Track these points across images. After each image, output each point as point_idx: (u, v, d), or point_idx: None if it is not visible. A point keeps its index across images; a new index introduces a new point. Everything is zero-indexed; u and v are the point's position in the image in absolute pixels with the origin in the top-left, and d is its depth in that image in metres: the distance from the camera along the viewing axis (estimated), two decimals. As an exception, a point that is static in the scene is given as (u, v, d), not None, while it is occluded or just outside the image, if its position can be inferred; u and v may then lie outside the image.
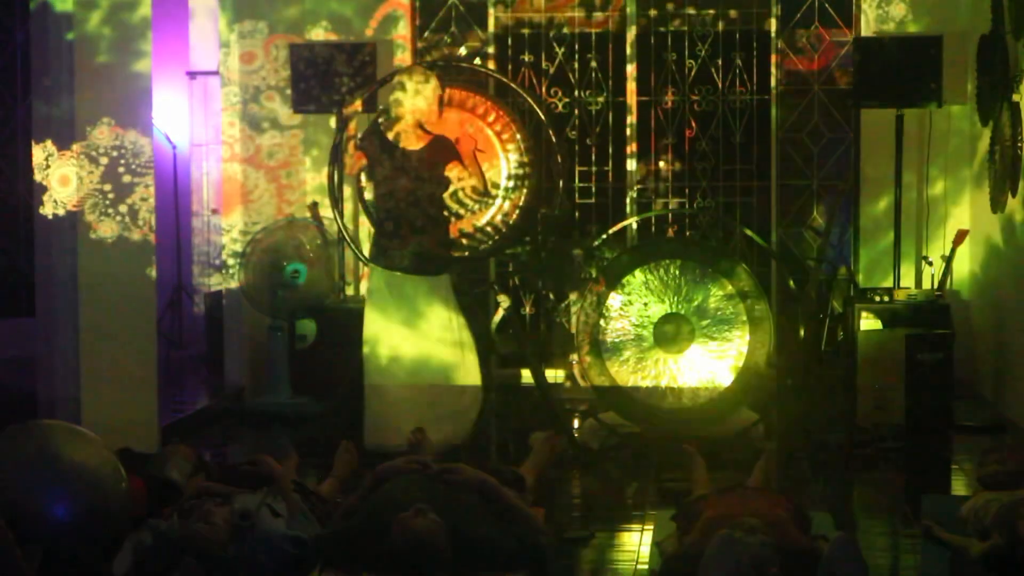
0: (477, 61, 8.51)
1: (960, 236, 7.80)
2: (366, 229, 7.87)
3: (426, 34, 8.64)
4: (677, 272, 7.14)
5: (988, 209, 7.60)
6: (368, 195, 7.65)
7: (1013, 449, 5.33)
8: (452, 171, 6.78)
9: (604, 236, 7.70)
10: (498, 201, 7.68)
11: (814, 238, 8.30)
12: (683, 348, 7.12)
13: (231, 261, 8.27)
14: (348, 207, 8.01)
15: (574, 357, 7.70)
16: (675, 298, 7.13)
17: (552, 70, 8.59)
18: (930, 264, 7.95)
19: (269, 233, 8.09)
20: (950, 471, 6.65)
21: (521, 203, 7.68)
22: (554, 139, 7.80)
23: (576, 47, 8.56)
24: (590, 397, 7.45)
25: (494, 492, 4.84)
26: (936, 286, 7.77)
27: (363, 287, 8.05)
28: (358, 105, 6.96)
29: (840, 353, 7.66)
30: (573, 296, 8.04)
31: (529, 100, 7.97)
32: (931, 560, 4.85)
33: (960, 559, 4.67)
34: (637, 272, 7.17)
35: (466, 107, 7.70)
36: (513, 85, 8.13)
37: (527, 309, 8.57)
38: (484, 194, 7.13)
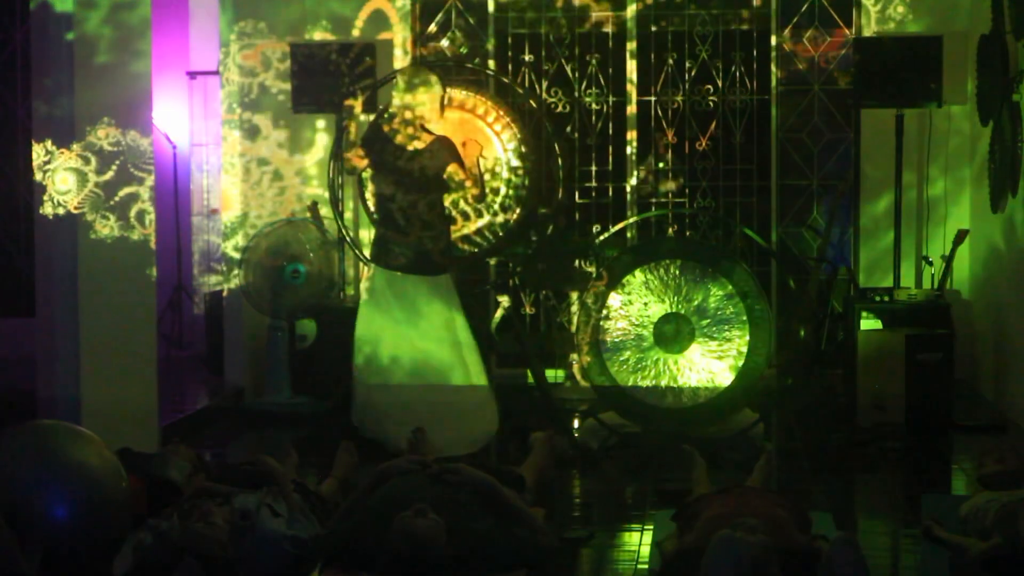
0: (477, 61, 8.51)
1: (960, 236, 7.81)
2: (366, 229, 7.87)
3: (426, 34, 8.64)
4: (677, 272, 7.14)
5: (988, 209, 7.60)
6: (368, 195, 7.65)
7: (1013, 449, 5.33)
8: (450, 172, 6.77)
9: (604, 236, 7.70)
10: (498, 202, 7.69)
11: (814, 238, 8.29)
12: (683, 348, 7.12)
13: (231, 261, 8.27)
14: (348, 207, 8.01)
15: (574, 357, 7.70)
16: (675, 298, 7.13)
17: (552, 70, 8.59)
18: (930, 264, 7.95)
19: (269, 233, 8.09)
20: (950, 471, 6.65)
21: (521, 203, 7.69)
22: (554, 139, 7.81)
23: (576, 47, 8.56)
24: (590, 397, 7.45)
25: (494, 492, 4.84)
26: (936, 286, 7.77)
27: (363, 287, 8.05)
28: (358, 105, 6.96)
29: (840, 353, 7.66)
30: (573, 296, 8.05)
31: (529, 100, 7.98)
32: (931, 560, 4.85)
33: (960, 559, 4.67)
34: (637, 272, 7.17)
35: (466, 107, 7.71)
36: (513, 85, 8.14)
37: (527, 309, 8.57)
38: (480, 200, 7.12)
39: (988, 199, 7.59)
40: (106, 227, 6.39)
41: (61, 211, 6.32)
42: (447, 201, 6.99)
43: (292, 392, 7.93)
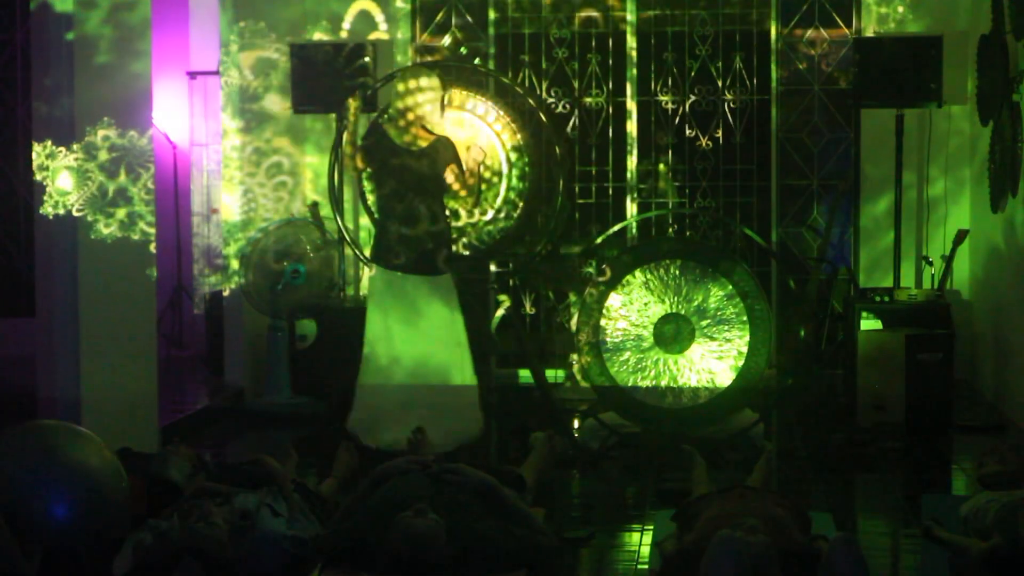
0: (477, 61, 8.51)
1: (960, 236, 7.81)
2: (366, 229, 7.87)
3: (425, 34, 8.64)
4: (677, 272, 7.14)
5: (988, 209, 7.60)
6: (368, 195, 7.65)
7: (1013, 449, 5.32)
8: (448, 175, 6.77)
9: (604, 236, 7.70)
10: (498, 202, 7.69)
11: (814, 238, 8.29)
12: (683, 348, 7.12)
13: (231, 261, 8.27)
14: (348, 207, 8.01)
15: (574, 357, 7.70)
16: (675, 298, 7.12)
17: (552, 70, 8.59)
18: (930, 264, 7.95)
19: (269, 233, 8.09)
20: (950, 471, 6.65)
21: (521, 203, 7.68)
22: (554, 139, 7.80)
23: (576, 47, 8.56)
24: (590, 397, 7.45)
25: (494, 492, 4.84)
26: (936, 286, 7.77)
27: (363, 287, 8.05)
28: (358, 105, 6.95)
29: (840, 353, 7.66)
30: (573, 296, 8.05)
31: (529, 100, 7.98)
32: (931, 560, 4.85)
33: (960, 559, 4.66)
34: (637, 272, 7.17)
35: (466, 107, 7.70)
36: (513, 85, 8.14)
37: (527, 309, 8.57)
38: (474, 205, 7.10)
39: (988, 199, 7.59)
40: (106, 227, 6.39)
41: (61, 211, 6.32)
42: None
43: (292, 392, 7.93)
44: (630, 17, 8.51)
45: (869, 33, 8.16)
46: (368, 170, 7.00)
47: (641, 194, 8.56)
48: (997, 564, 4.51)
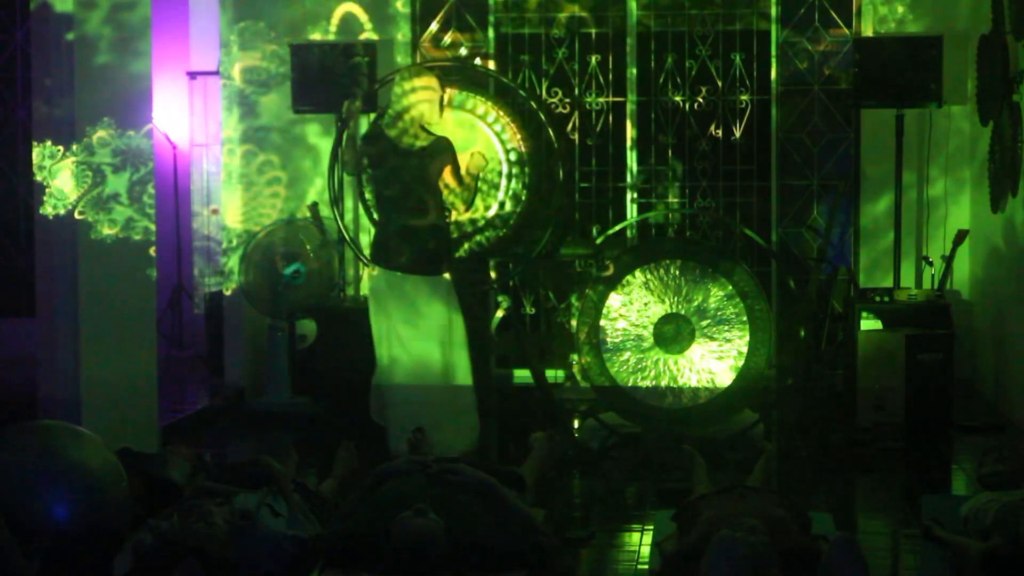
0: (478, 61, 8.51)
1: (960, 236, 7.80)
2: (366, 229, 7.87)
3: (425, 34, 8.64)
4: (677, 272, 7.15)
5: (988, 209, 7.60)
6: (368, 195, 7.65)
7: (1013, 449, 5.33)
8: (445, 175, 6.76)
9: (604, 236, 7.70)
10: (498, 201, 7.69)
11: (814, 238, 8.29)
12: (683, 348, 7.12)
13: (231, 261, 8.27)
14: (348, 207, 8.02)
15: (574, 357, 7.70)
16: (675, 298, 7.13)
17: (552, 70, 8.59)
18: (930, 264, 7.95)
19: (269, 233, 8.09)
20: (950, 471, 6.65)
21: (521, 203, 7.68)
22: (554, 139, 7.80)
23: (576, 47, 8.56)
24: (590, 397, 7.45)
25: (494, 492, 4.84)
26: (936, 286, 7.77)
27: (364, 288, 8.05)
28: (358, 105, 6.95)
29: (840, 353, 7.66)
30: (573, 296, 8.05)
31: (529, 100, 7.98)
32: (931, 560, 4.85)
33: (960, 559, 4.67)
34: (637, 272, 7.17)
35: (466, 107, 7.70)
36: (513, 85, 8.14)
37: (527, 309, 8.57)
38: (466, 210, 7.11)
39: (988, 199, 7.59)
40: (106, 227, 6.39)
41: (61, 211, 6.32)
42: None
43: (292, 392, 7.93)
44: (630, 17, 8.51)
45: (869, 33, 8.16)
46: (367, 170, 7.00)
47: (641, 194, 8.56)
48: (997, 564, 4.52)
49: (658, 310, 7.13)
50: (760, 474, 5.55)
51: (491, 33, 8.60)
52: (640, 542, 5.29)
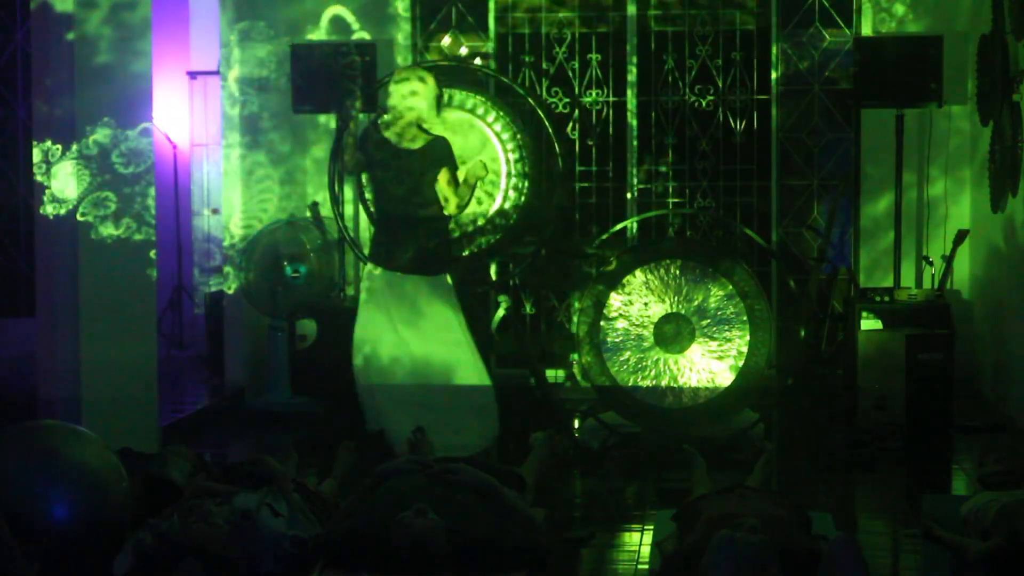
0: (478, 61, 8.51)
1: (960, 236, 7.80)
2: (366, 229, 7.87)
3: (427, 35, 8.64)
4: (677, 272, 7.14)
5: (988, 209, 7.60)
6: (368, 195, 7.65)
7: (1013, 449, 5.33)
8: (440, 176, 6.75)
9: (604, 236, 7.70)
10: (498, 201, 7.69)
11: (814, 238, 8.29)
12: (683, 348, 7.12)
13: (231, 261, 8.27)
14: (348, 207, 8.01)
15: (574, 357, 7.70)
16: (675, 298, 7.13)
17: (552, 70, 8.58)
18: (930, 264, 7.95)
19: (269, 233, 8.09)
20: (950, 471, 6.65)
21: (521, 203, 7.68)
22: (554, 139, 7.80)
23: (576, 47, 8.56)
24: (590, 397, 7.45)
25: (494, 492, 4.84)
26: (936, 286, 7.77)
27: (362, 287, 8.05)
28: (358, 105, 6.95)
29: (840, 353, 7.66)
30: (573, 296, 8.05)
31: (529, 100, 7.98)
32: (931, 560, 4.85)
33: (960, 559, 4.67)
34: (637, 272, 7.17)
35: (466, 107, 7.71)
36: (514, 85, 8.14)
37: (527, 309, 8.57)
38: (458, 211, 7.11)
39: (988, 199, 7.59)
40: (106, 227, 6.39)
41: (61, 211, 6.32)
42: None
43: (292, 392, 7.93)
44: (630, 17, 8.51)
45: (869, 33, 8.16)
46: (366, 170, 7.00)
47: (641, 194, 8.56)
48: (997, 564, 4.52)
49: (658, 310, 7.13)
50: (760, 474, 5.55)
51: (491, 33, 8.59)
52: (640, 542, 5.29)
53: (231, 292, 8.36)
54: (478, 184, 7.06)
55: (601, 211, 8.54)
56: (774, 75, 8.43)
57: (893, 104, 7.61)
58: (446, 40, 8.62)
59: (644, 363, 7.14)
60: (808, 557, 4.32)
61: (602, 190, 8.56)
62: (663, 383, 7.11)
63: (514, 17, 8.61)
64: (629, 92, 8.53)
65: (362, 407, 6.81)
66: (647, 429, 7.05)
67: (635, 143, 8.54)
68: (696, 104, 8.52)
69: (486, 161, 7.18)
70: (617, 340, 7.17)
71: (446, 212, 6.82)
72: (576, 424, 7.31)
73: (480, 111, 7.68)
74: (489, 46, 8.55)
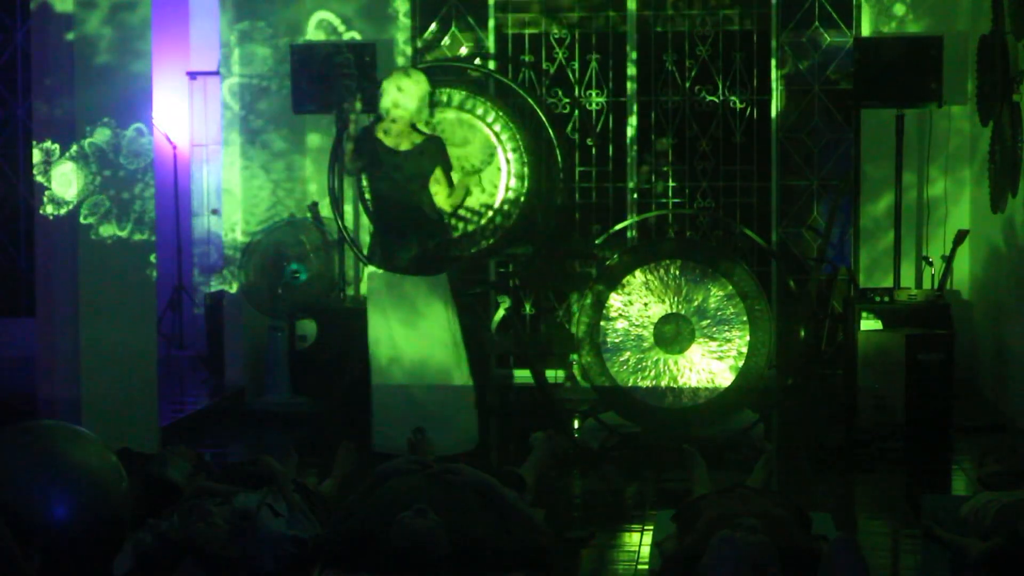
0: (478, 61, 8.51)
1: (960, 236, 7.80)
2: (366, 229, 7.87)
3: (426, 34, 8.64)
4: (677, 272, 7.15)
5: (988, 209, 7.60)
6: (368, 195, 7.66)
7: (1013, 449, 5.33)
8: (433, 176, 6.75)
9: (604, 236, 7.70)
10: (498, 202, 7.69)
11: (814, 238, 8.29)
12: (683, 348, 7.12)
13: (231, 261, 8.27)
14: (348, 207, 8.01)
15: (574, 357, 7.70)
16: (675, 298, 7.13)
17: (552, 70, 8.58)
18: (930, 264, 7.95)
19: (269, 233, 8.09)
20: (950, 471, 6.65)
21: (521, 203, 7.68)
22: (554, 139, 7.81)
23: (576, 47, 8.56)
24: (590, 397, 7.45)
25: (494, 492, 4.84)
26: (936, 286, 7.77)
27: (363, 287, 8.05)
28: (358, 106, 6.96)
29: (840, 353, 7.66)
30: (573, 296, 8.05)
31: (529, 100, 7.98)
32: (931, 560, 4.85)
33: (960, 559, 4.67)
34: (637, 272, 7.17)
35: (466, 107, 7.71)
36: (513, 85, 8.14)
37: (527, 309, 8.57)
38: (452, 212, 7.11)
39: (988, 199, 7.59)
40: (106, 227, 6.39)
41: (61, 211, 6.32)
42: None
43: (292, 392, 7.93)
44: (630, 17, 8.51)
45: (869, 33, 8.16)
46: (364, 170, 7.00)
47: (641, 194, 8.56)
48: (997, 564, 4.52)
49: (658, 310, 7.13)
50: (760, 474, 5.56)
51: (491, 33, 8.59)
52: (640, 542, 5.30)
53: (233, 291, 8.36)
54: (461, 203, 7.11)
55: (601, 211, 8.54)
56: (774, 75, 8.44)
57: (893, 104, 7.61)
58: (446, 40, 8.62)
59: (644, 363, 7.14)
60: (808, 557, 4.32)
61: (602, 190, 8.56)
62: (663, 383, 7.11)
63: (514, 17, 8.61)
64: (629, 92, 8.53)
65: (373, 410, 6.80)
66: (647, 429, 7.06)
67: (635, 143, 8.54)
68: (696, 104, 8.52)
69: (470, 184, 7.20)
70: (617, 340, 7.17)
71: (439, 207, 6.84)
72: (576, 424, 7.32)
73: (480, 111, 7.68)
74: (488, 46, 8.55)
